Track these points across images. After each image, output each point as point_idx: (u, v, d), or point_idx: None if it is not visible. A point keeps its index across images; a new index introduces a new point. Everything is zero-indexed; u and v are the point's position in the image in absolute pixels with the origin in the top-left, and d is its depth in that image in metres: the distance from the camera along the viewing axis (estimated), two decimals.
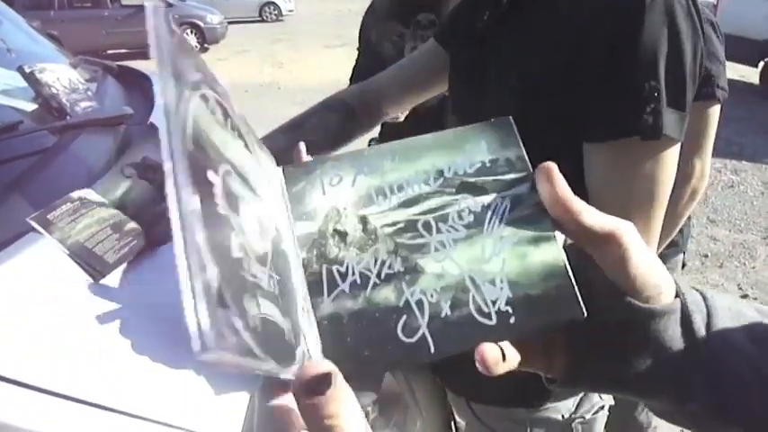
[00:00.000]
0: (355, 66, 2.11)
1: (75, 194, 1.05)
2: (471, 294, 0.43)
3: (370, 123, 1.30)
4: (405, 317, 0.42)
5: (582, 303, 0.43)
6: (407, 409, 1.31)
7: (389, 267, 0.43)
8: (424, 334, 0.42)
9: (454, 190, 0.46)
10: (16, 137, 1.22)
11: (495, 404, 1.20)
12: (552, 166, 0.44)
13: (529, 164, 0.47)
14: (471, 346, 0.42)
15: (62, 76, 1.45)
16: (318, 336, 0.42)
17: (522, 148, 0.48)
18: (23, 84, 1.40)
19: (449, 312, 0.42)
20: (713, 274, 3.86)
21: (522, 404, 1.16)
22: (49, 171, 1.15)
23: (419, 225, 0.45)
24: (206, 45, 11.32)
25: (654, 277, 0.44)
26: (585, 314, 0.43)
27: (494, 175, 0.47)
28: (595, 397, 1.16)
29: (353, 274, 0.43)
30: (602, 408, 1.18)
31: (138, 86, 1.74)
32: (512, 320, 0.43)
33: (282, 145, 1.16)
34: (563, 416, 1.15)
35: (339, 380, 0.33)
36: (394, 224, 0.45)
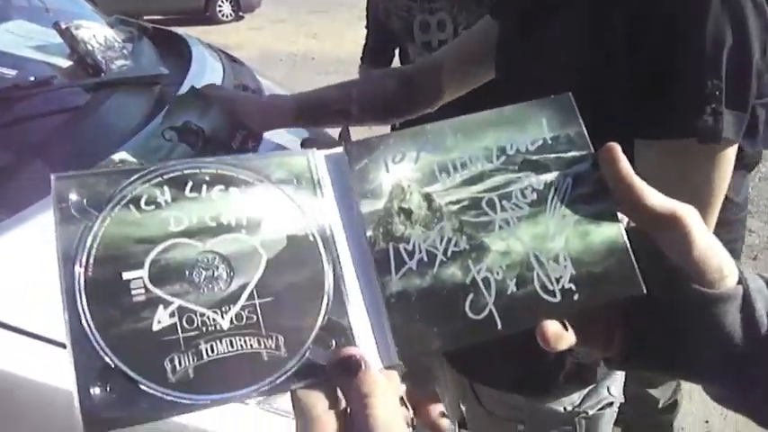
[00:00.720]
0: (365, 45, 2.09)
1: (117, 157, 1.04)
2: (536, 272, 0.44)
3: (429, 99, 1.24)
4: (472, 294, 0.43)
5: (641, 280, 0.44)
6: (437, 383, 1.30)
7: (455, 245, 0.44)
8: (491, 310, 0.43)
9: (517, 167, 0.46)
10: (50, 92, 1.21)
11: (497, 387, 1.18)
12: (615, 146, 0.45)
13: (589, 141, 0.47)
14: (537, 322, 0.43)
15: (98, 33, 1.43)
16: (386, 313, 0.42)
17: (582, 125, 0.48)
18: (59, 40, 1.39)
19: (515, 289, 0.43)
20: (747, 266, 3.76)
21: (522, 391, 1.13)
22: (82, 128, 1.15)
23: (483, 203, 0.45)
24: (241, 14, 11.17)
25: (716, 261, 0.44)
26: (645, 291, 0.44)
27: (555, 153, 0.47)
28: (603, 392, 1.13)
29: (420, 251, 0.44)
30: (611, 405, 1.15)
31: (174, 48, 1.72)
32: (575, 297, 0.44)
33: (335, 97, 1.13)
34: (565, 408, 1.12)
35: (370, 364, 0.39)
36: (458, 202, 0.45)
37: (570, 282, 0.44)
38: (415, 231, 0.44)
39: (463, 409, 1.33)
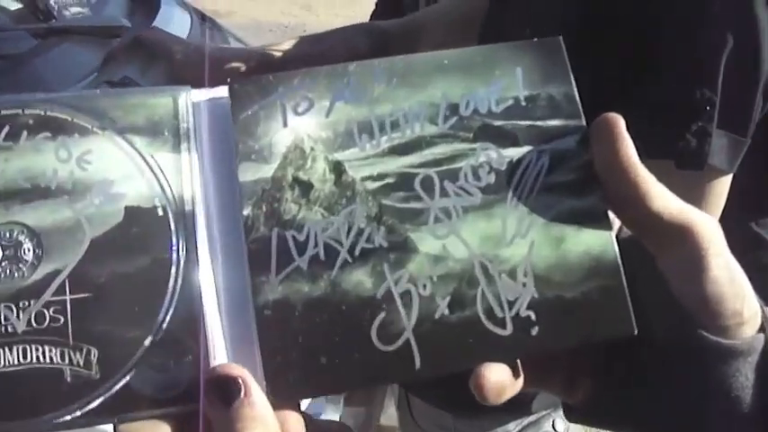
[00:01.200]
0: (373, 11, 2.04)
1: None
2: (481, 289, 0.30)
3: None
4: (383, 314, 0.30)
5: (633, 316, 0.31)
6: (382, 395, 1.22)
7: (368, 240, 0.30)
8: (408, 341, 0.30)
9: (471, 135, 0.32)
10: None
11: (427, 400, 1.03)
12: (617, 118, 0.31)
13: (581, 108, 0.33)
14: (473, 363, 0.30)
15: None
16: (255, 331, 0.29)
17: (573, 82, 0.33)
18: None
19: (446, 312, 0.30)
20: None
21: (451, 409, 0.99)
22: (20, 76, 1.07)
23: (416, 182, 0.31)
24: None
25: (735, 301, 0.30)
26: (636, 332, 0.31)
27: (530, 119, 0.33)
28: (547, 426, 0.99)
29: (316, 245, 0.30)
30: None
31: (145, 2, 1.64)
32: (533, 332, 0.30)
33: (305, 51, 1.00)
34: None
35: (252, 389, 0.28)
36: (380, 177, 0.31)
37: (529, 308, 0.30)
38: (313, 215, 0.30)
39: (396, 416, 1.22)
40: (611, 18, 0.65)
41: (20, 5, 1.26)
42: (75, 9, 1.26)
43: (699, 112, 0.61)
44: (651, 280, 0.31)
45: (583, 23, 0.66)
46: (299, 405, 0.30)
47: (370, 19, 1.96)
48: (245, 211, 0.30)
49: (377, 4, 2.05)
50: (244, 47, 1.08)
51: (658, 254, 0.31)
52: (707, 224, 0.30)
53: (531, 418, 0.97)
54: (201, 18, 1.63)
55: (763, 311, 0.31)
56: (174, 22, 1.44)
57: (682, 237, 0.30)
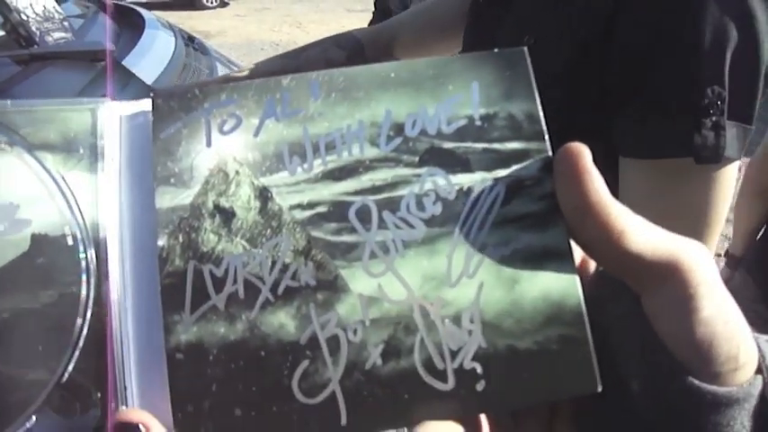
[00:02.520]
0: (370, 22, 2.04)
1: None
2: (419, 336, 0.27)
3: None
4: (307, 362, 0.27)
5: (597, 370, 0.27)
6: None
7: (293, 277, 0.27)
8: (333, 393, 0.27)
9: (417, 159, 0.29)
10: None
11: None
12: (582, 148, 0.27)
13: (545, 129, 0.29)
14: (408, 421, 0.27)
15: (36, 3, 1.36)
16: (166, 374, 0.26)
17: (538, 100, 0.30)
18: None
19: (378, 362, 0.27)
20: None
21: None
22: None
23: (351, 211, 0.28)
24: (225, 0, 11.18)
25: (730, 344, 0.27)
26: (600, 389, 0.27)
27: (485, 141, 0.29)
28: None
29: (235, 281, 0.27)
30: None
31: (132, 24, 1.65)
32: (479, 387, 0.27)
33: (276, 70, 0.99)
34: None
35: None
36: (311, 206, 0.28)
37: (475, 359, 0.27)
38: (233, 248, 0.27)
39: None
40: (618, 27, 0.66)
41: (1, 32, 1.26)
42: (57, 34, 1.25)
43: (712, 107, 0.62)
44: (633, 321, 0.28)
45: (591, 30, 0.67)
46: None
47: (368, 25, 1.97)
48: (160, 242, 0.27)
49: (370, 23, 2.05)
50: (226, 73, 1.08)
51: (642, 294, 0.28)
52: (696, 258, 0.27)
53: None
54: (189, 39, 1.63)
55: (760, 350, 0.28)
56: (159, 44, 1.44)
57: (668, 275, 0.26)
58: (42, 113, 0.29)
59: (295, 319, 0.27)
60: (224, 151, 0.28)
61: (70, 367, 0.26)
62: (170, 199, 0.28)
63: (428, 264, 0.28)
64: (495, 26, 0.83)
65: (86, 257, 0.27)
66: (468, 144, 0.29)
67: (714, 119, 0.62)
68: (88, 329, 0.27)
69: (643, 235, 0.27)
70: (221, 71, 1.61)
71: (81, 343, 0.27)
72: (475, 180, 0.29)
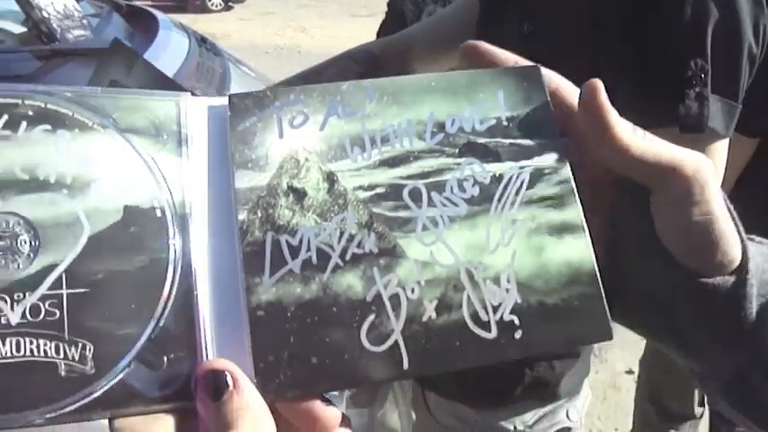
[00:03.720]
0: (381, 23, 2.04)
1: None
2: (466, 294, 0.32)
3: None
4: (373, 316, 0.31)
5: (610, 322, 0.33)
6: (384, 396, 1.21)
7: (359, 246, 0.32)
8: (396, 342, 0.31)
9: (457, 151, 0.34)
10: None
11: (446, 395, 1.07)
12: (598, 84, 0.34)
13: (557, 128, 0.36)
14: (459, 364, 0.31)
15: (57, 1, 1.38)
16: (246, 332, 0.30)
17: (550, 105, 0.36)
18: (15, 8, 1.35)
19: (433, 316, 0.31)
20: None
21: (472, 402, 1.03)
22: None
23: (405, 192, 0.33)
24: (230, 4, 11.19)
25: (726, 240, 0.33)
26: (612, 338, 0.33)
27: (511, 138, 0.35)
28: (561, 415, 1.04)
29: (309, 249, 0.31)
30: (569, 430, 1.05)
31: (145, 24, 1.67)
32: (517, 336, 0.32)
33: (303, 83, 1.03)
34: (515, 427, 1.02)
35: (241, 382, 0.29)
36: (371, 187, 0.33)
37: (512, 313, 0.32)
38: (306, 221, 0.32)
39: (413, 416, 1.23)
40: (613, 11, 0.70)
41: (24, 29, 1.29)
42: (77, 32, 1.28)
43: (695, 79, 0.66)
44: (640, 222, 0.34)
45: (591, 17, 0.72)
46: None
47: (377, 36, 1.98)
48: (241, 216, 0.31)
49: (383, 22, 2.04)
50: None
51: (651, 195, 0.34)
52: (696, 165, 0.32)
53: (547, 408, 1.02)
54: (201, 40, 1.65)
55: (744, 254, 0.34)
56: (173, 44, 1.47)
57: (672, 176, 0.32)
58: (130, 101, 0.32)
59: (361, 280, 0.31)
60: (294, 142, 0.33)
61: (160, 324, 0.30)
62: (248, 180, 0.32)
63: (470, 234, 0.33)
64: (499, 20, 0.88)
65: (173, 229, 0.31)
66: (498, 139, 0.35)
67: (697, 90, 0.66)
68: (176, 291, 0.30)
69: (652, 143, 0.33)
70: (233, 72, 1.64)
71: (170, 303, 0.30)
72: (504, 168, 0.34)
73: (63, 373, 0.28)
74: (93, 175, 0.31)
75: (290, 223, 0.32)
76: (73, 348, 0.29)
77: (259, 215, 0.31)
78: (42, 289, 0.29)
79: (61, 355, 0.29)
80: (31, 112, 0.31)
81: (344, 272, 0.31)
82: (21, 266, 0.29)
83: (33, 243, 0.29)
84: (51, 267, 0.29)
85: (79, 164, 0.31)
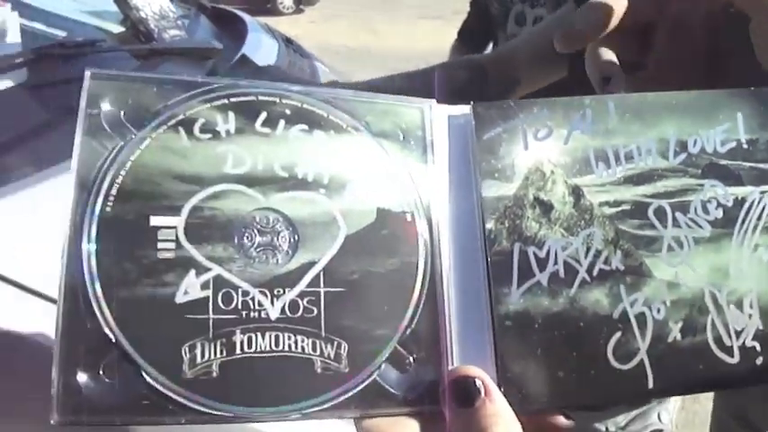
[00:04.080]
0: (464, 22, 2.00)
1: None
2: (710, 317, 0.32)
3: (500, 94, 1.09)
4: (619, 333, 0.31)
5: None
6: None
7: (605, 262, 0.32)
8: (642, 361, 0.31)
9: (699, 171, 0.34)
10: (97, 55, 1.17)
11: None
12: None
13: None
14: (700, 388, 0.31)
15: (153, 1, 1.42)
16: (489, 340, 0.31)
17: None
18: (114, 8, 1.37)
19: (678, 337, 0.31)
20: None
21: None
22: None
23: (650, 211, 0.33)
24: (301, 7, 11.30)
25: None
26: None
27: (751, 161, 0.34)
28: (653, 417, 1.04)
29: (556, 262, 0.31)
30: None
31: (231, 26, 1.69)
32: (758, 361, 0.32)
33: (398, 88, 1.03)
34: (607, 428, 1.03)
35: (492, 389, 0.29)
36: (617, 204, 0.33)
37: (754, 339, 0.32)
38: (553, 234, 0.32)
39: None
40: None
41: (122, 29, 1.32)
42: (173, 32, 1.30)
43: None
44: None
45: None
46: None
47: (459, 34, 1.96)
48: (488, 225, 0.32)
49: (466, 21, 2.02)
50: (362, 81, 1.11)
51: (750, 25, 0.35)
52: None
53: (639, 410, 1.02)
54: (287, 41, 1.67)
55: None
56: (264, 47, 1.48)
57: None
58: (381, 106, 0.33)
59: (608, 297, 0.31)
60: (539, 154, 0.33)
61: (411, 327, 0.30)
62: (495, 190, 0.32)
63: (714, 257, 0.32)
64: None
65: (422, 234, 0.31)
66: (739, 162, 0.34)
67: None
68: (425, 296, 0.31)
69: None
70: (322, 73, 1.65)
71: (419, 307, 0.30)
72: (747, 192, 0.34)
73: (319, 371, 0.29)
74: (349, 177, 0.32)
75: (537, 235, 0.32)
76: (329, 346, 0.29)
77: (506, 225, 0.32)
78: (301, 286, 0.30)
79: (318, 353, 0.29)
80: (288, 111, 0.32)
81: (591, 287, 0.31)
82: (280, 262, 0.30)
83: (292, 240, 0.30)
84: (310, 265, 0.30)
85: (335, 164, 0.32)
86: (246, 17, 1.80)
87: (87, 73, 0.31)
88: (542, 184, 0.32)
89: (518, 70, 1.09)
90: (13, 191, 0.81)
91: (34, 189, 0.83)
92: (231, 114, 0.31)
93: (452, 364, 0.30)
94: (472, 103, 0.34)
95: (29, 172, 0.85)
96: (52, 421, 0.27)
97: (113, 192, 0.29)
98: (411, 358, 0.30)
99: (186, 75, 1.17)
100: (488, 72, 1.08)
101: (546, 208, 0.32)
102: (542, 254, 0.31)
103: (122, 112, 0.30)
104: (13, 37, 1.11)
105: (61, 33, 1.22)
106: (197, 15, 1.66)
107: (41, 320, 0.68)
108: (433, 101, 0.34)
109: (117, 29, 1.34)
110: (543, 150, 0.33)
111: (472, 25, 2.05)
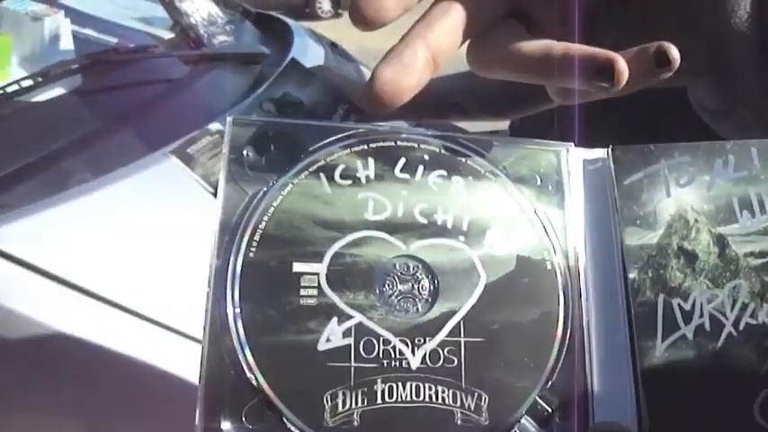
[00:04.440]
0: None
1: (214, 127, 0.97)
2: None
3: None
4: (766, 391, 0.30)
5: None
6: None
7: (752, 315, 0.31)
8: None
9: None
10: (148, 61, 1.18)
11: None
12: None
13: None
14: None
15: (201, 7, 1.43)
16: (631, 393, 0.30)
17: None
18: (163, 14, 1.40)
19: None
20: None
21: None
22: (179, 100, 1.10)
23: None
24: (339, 11, 11.32)
25: None
26: None
27: None
28: None
29: (701, 315, 0.30)
30: None
31: (276, 31, 1.71)
32: None
33: (447, 89, 1.01)
34: None
35: None
36: (762, 255, 0.31)
37: None
38: (698, 285, 0.31)
39: None
40: None
41: (172, 35, 1.32)
42: (221, 37, 1.31)
43: None
44: None
45: None
46: None
47: None
48: (632, 275, 0.31)
49: None
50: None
51: None
52: None
53: None
54: (332, 46, 1.67)
55: None
56: (310, 51, 1.48)
57: None
58: (519, 151, 0.33)
59: (755, 352, 0.30)
60: (682, 201, 0.32)
61: (552, 380, 0.29)
62: (637, 238, 0.31)
63: None
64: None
65: (563, 282, 0.31)
66: None
67: None
68: (567, 348, 0.30)
69: None
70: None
71: (561, 359, 0.30)
72: None
73: (459, 422, 0.29)
74: (488, 223, 0.31)
75: (681, 286, 0.31)
76: (469, 398, 0.29)
77: (650, 275, 0.31)
78: (442, 335, 0.29)
79: (458, 404, 0.29)
80: (427, 157, 0.32)
81: (738, 342, 0.30)
82: (420, 311, 0.30)
83: (432, 288, 0.30)
84: (450, 314, 0.30)
85: (474, 211, 0.31)
86: (291, 21, 1.80)
87: (229, 119, 0.31)
88: (686, 233, 0.31)
89: None
90: (68, 197, 0.82)
91: (89, 196, 0.84)
92: (371, 160, 0.31)
93: (594, 418, 0.30)
94: (611, 146, 0.33)
95: (84, 178, 0.86)
96: None
97: (256, 237, 0.29)
98: (551, 411, 0.29)
99: (236, 79, 1.17)
100: None
101: (690, 258, 0.31)
102: (687, 306, 0.30)
103: (264, 159, 0.30)
104: (66, 43, 1.12)
105: (112, 40, 1.25)
106: (242, 21, 1.68)
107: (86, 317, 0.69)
108: (571, 144, 0.33)
109: (167, 35, 1.36)
110: (686, 197, 0.32)
111: None
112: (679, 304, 0.30)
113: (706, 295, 0.31)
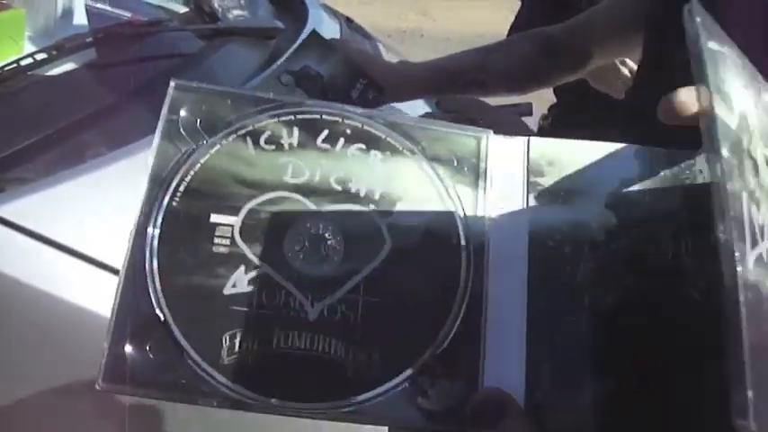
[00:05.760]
0: (521, 8, 1.94)
1: None
2: None
3: (574, 65, 1.01)
4: None
5: None
6: None
7: None
8: None
9: None
10: (163, 35, 1.18)
11: None
12: None
13: None
14: None
15: None
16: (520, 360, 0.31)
17: None
18: None
19: None
20: None
21: None
22: (194, 74, 1.11)
23: None
24: None
25: None
26: None
27: None
28: None
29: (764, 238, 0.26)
30: None
31: (291, 6, 1.70)
32: None
33: (467, 65, 1.00)
34: None
35: (515, 409, 0.29)
36: None
37: None
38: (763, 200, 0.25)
39: None
40: None
41: (186, 9, 1.33)
42: (236, 12, 1.32)
43: None
44: None
45: None
46: None
47: (517, 15, 1.88)
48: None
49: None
50: (426, 60, 1.09)
51: None
52: None
53: None
54: (348, 21, 1.66)
55: None
56: (326, 25, 1.48)
57: None
58: (437, 133, 0.35)
59: None
60: (745, 103, 0.26)
61: (445, 344, 0.31)
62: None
63: None
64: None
65: (467, 257, 0.33)
66: None
67: None
68: (463, 317, 0.32)
69: None
70: (384, 53, 1.64)
71: (456, 327, 0.31)
72: None
73: (350, 374, 0.31)
74: (399, 195, 0.33)
75: (754, 194, 0.25)
76: (362, 352, 0.31)
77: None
78: (342, 292, 0.32)
79: (350, 358, 0.31)
80: (348, 131, 0.34)
81: None
82: (325, 268, 0.32)
83: (338, 248, 0.32)
84: (352, 273, 0.32)
85: (387, 183, 0.34)
86: None
87: (172, 83, 0.34)
88: (750, 139, 0.26)
89: (592, 43, 1.00)
90: (82, 171, 0.84)
91: (104, 169, 0.86)
92: (296, 129, 0.34)
93: (482, 385, 0.31)
94: (528, 138, 0.35)
95: (99, 152, 0.88)
96: (97, 386, 0.29)
97: (181, 188, 0.32)
98: (443, 376, 0.31)
99: (251, 53, 1.16)
100: (560, 43, 1.01)
101: (754, 166, 0.25)
102: (760, 219, 0.24)
103: (198, 120, 0.34)
104: (80, 18, 1.14)
105: (126, 14, 1.24)
106: None
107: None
108: (491, 131, 0.35)
109: (181, 9, 1.35)
110: (747, 102, 0.26)
111: (530, 12, 1.94)
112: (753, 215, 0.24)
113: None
